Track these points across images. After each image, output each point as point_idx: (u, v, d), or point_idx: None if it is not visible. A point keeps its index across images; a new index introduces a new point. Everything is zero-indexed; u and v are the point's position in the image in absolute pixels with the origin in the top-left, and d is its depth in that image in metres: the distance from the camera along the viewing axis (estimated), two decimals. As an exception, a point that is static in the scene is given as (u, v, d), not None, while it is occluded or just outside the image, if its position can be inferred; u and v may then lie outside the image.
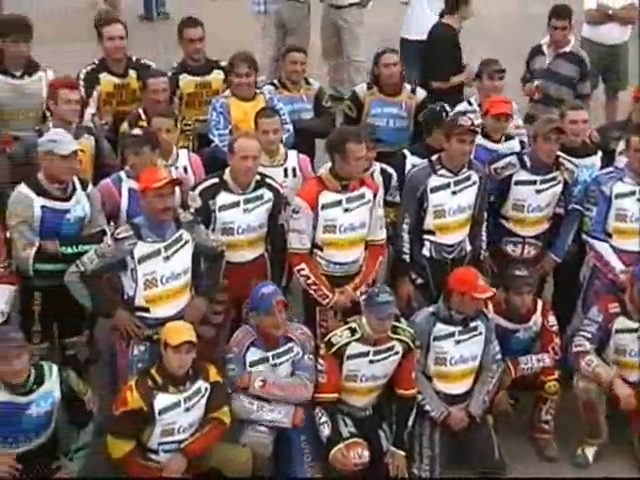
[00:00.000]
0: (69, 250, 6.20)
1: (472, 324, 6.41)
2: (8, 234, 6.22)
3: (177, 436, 5.92)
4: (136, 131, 6.80)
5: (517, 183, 6.92)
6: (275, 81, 8.03)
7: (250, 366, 6.21)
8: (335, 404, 6.28)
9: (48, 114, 7.06)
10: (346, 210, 6.47)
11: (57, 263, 6.17)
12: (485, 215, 6.91)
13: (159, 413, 5.83)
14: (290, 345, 6.27)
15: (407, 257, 6.79)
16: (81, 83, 7.43)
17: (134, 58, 7.76)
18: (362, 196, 6.51)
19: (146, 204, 6.04)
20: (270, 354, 6.24)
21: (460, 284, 6.28)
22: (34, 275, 6.22)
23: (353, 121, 7.75)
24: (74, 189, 6.32)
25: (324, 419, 6.21)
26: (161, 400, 5.83)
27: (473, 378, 6.52)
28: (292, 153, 7.09)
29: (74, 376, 5.90)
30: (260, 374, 6.17)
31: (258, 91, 7.59)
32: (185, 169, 6.93)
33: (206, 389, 5.97)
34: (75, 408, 5.85)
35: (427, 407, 6.39)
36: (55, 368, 5.81)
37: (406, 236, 6.76)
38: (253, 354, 6.22)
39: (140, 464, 5.88)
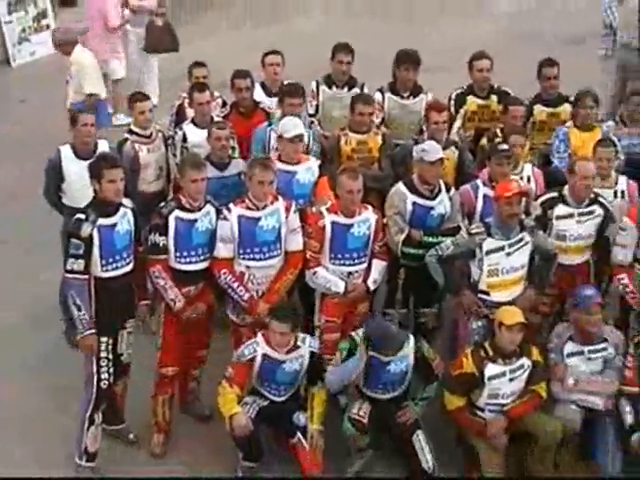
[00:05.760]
0: (430, 239, 6.94)
1: None
2: (385, 220, 7.05)
3: (501, 400, 6.50)
4: (503, 146, 7.36)
5: None
6: (617, 118, 8.50)
7: (567, 357, 6.69)
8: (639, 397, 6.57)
9: (424, 127, 7.95)
10: None
11: (420, 248, 6.94)
12: None
13: (488, 379, 6.44)
14: (604, 345, 6.71)
15: None
16: (452, 102, 8.39)
17: (496, 85, 8.56)
18: None
19: (498, 209, 6.70)
20: (586, 349, 6.69)
21: None
22: (401, 256, 7.07)
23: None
24: (440, 190, 7.09)
25: (628, 409, 6.58)
26: (491, 369, 6.43)
27: None
28: (622, 178, 7.58)
29: (427, 346, 6.69)
30: (574, 370, 6.63)
31: (596, 125, 8.16)
32: (528, 179, 7.54)
33: (528, 366, 6.49)
34: (425, 369, 6.67)
35: None
36: (412, 339, 6.61)
37: None
38: (570, 347, 6.72)
39: (468, 418, 6.54)
